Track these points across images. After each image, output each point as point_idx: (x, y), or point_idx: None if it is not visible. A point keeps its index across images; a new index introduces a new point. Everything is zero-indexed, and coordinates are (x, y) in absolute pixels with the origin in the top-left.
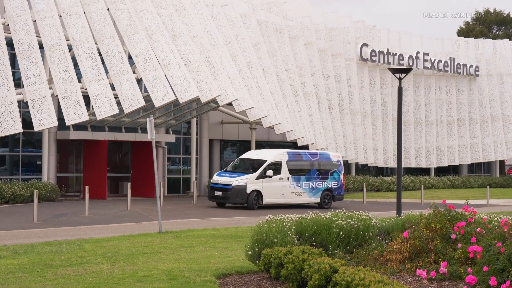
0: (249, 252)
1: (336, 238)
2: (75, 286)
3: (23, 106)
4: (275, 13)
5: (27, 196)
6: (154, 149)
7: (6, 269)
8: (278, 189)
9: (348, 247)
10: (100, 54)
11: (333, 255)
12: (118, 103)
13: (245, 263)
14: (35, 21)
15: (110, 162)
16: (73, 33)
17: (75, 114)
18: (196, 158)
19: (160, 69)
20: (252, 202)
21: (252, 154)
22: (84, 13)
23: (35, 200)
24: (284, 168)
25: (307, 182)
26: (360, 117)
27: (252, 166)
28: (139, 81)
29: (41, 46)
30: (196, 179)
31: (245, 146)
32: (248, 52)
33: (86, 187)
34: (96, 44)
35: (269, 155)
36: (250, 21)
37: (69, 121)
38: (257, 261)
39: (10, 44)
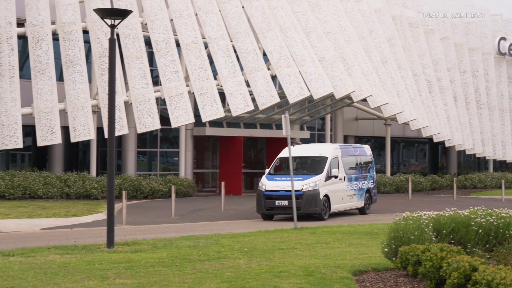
0: (386, 249)
1: (475, 236)
2: (212, 280)
3: (160, 103)
4: (410, 8)
5: (165, 192)
6: (289, 146)
7: (146, 262)
8: (340, 192)
9: (487, 245)
10: (235, 51)
11: (472, 253)
12: (253, 100)
13: (382, 260)
14: (172, 19)
15: (245, 158)
16: (208, 31)
17: (211, 110)
18: None
19: (294, 65)
20: (322, 210)
21: (297, 150)
22: (220, 11)
23: (173, 195)
24: (341, 166)
25: (356, 182)
26: (498, 113)
27: (308, 164)
28: (273, 77)
29: (177, 44)
30: None
31: (380, 142)
32: (382, 47)
33: (222, 182)
34: (231, 41)
35: (326, 150)
36: (384, 16)
37: (205, 118)
38: (394, 258)
39: (148, 42)
